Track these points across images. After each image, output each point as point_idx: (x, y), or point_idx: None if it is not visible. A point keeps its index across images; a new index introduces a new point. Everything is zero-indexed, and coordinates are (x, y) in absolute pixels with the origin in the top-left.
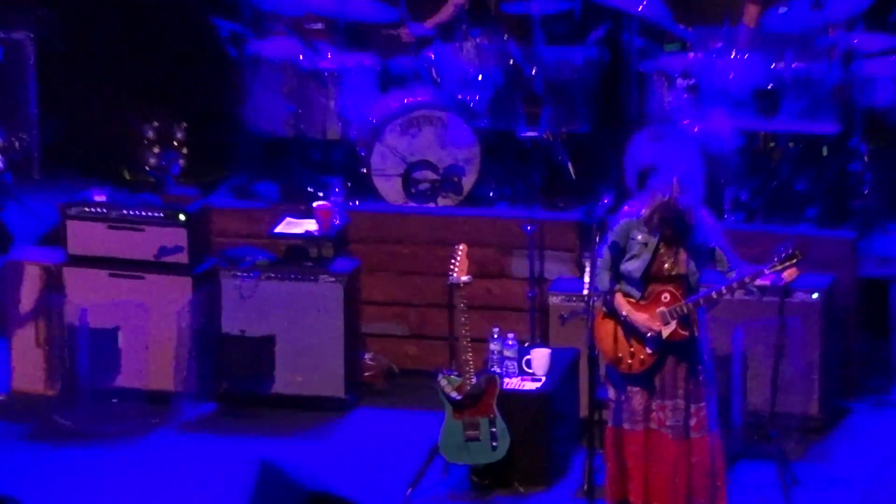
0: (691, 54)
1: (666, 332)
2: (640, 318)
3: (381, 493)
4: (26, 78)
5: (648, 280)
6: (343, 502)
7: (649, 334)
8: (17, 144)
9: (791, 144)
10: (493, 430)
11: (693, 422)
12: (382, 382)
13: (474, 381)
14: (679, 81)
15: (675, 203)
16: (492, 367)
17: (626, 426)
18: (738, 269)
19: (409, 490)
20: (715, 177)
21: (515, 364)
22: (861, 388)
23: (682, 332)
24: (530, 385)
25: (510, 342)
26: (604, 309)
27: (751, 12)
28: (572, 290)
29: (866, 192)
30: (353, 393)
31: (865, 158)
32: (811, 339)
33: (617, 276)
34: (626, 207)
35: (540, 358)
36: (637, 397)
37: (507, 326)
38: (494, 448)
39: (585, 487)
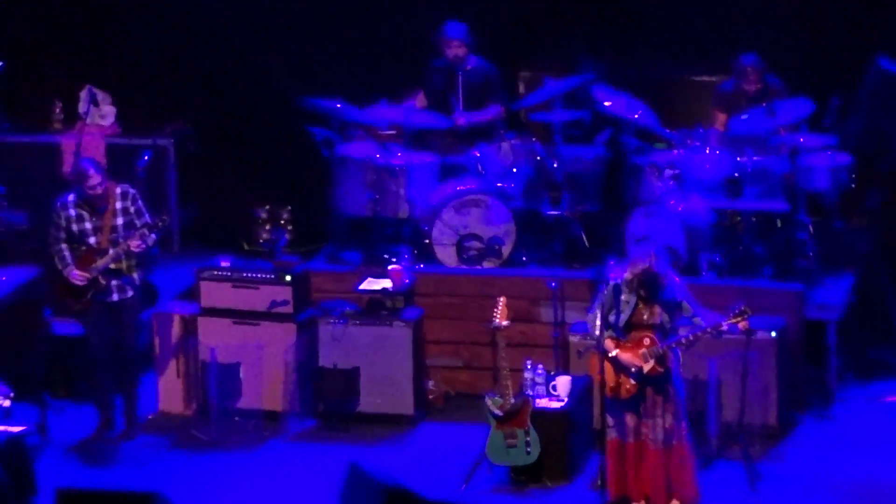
0: (675, 151)
1: (646, 368)
2: (626, 357)
3: (442, 487)
4: (168, 174)
5: (631, 328)
6: (412, 495)
7: (633, 370)
8: (160, 224)
9: (752, 219)
10: (528, 439)
11: (673, 434)
12: (442, 403)
13: (513, 401)
14: (666, 172)
15: (652, 268)
16: (526, 390)
17: (622, 439)
18: (701, 315)
19: (464, 485)
20: (694, 244)
21: (544, 388)
22: (807, 405)
23: (659, 369)
24: (555, 404)
25: (539, 371)
26: (599, 351)
27: (720, 119)
28: (587, 332)
29: (810, 254)
30: (420, 411)
31: (809, 229)
32: (769, 366)
33: (606, 326)
34: (611, 274)
35: (563, 383)
36: (628, 417)
37: (537, 359)
38: (528, 453)
39: (598, 482)
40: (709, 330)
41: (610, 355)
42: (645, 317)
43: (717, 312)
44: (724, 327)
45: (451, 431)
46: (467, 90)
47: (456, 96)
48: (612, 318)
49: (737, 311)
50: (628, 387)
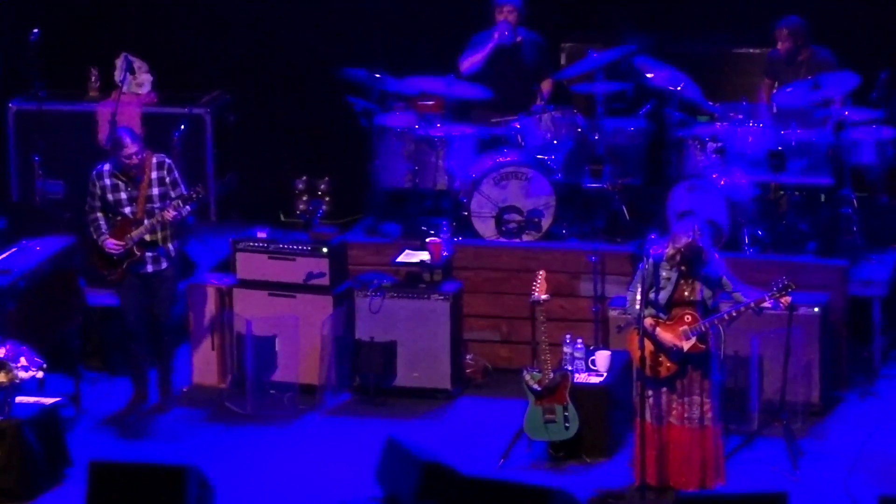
0: (718, 124)
1: (686, 346)
2: (666, 337)
3: (480, 462)
4: (204, 143)
5: (672, 305)
6: (450, 470)
7: (674, 348)
8: (195, 196)
9: (796, 193)
10: (566, 414)
11: (708, 414)
12: (480, 377)
13: (551, 376)
14: (709, 145)
15: (695, 243)
16: (565, 365)
17: (658, 418)
18: (742, 291)
19: (502, 461)
20: (736, 218)
21: (583, 363)
22: (851, 382)
23: (700, 346)
24: (595, 379)
25: (579, 346)
26: (637, 329)
27: (766, 85)
28: (626, 309)
29: (854, 230)
30: (458, 386)
31: (854, 204)
32: (812, 343)
33: (646, 303)
34: (651, 250)
35: (602, 358)
36: (664, 396)
37: (576, 334)
38: (567, 428)
39: (634, 461)
40: (752, 305)
41: (651, 335)
42: (686, 293)
43: (758, 288)
44: (767, 303)
45: (489, 406)
46: (518, 62)
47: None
48: (652, 295)
49: (780, 287)
50: (668, 365)
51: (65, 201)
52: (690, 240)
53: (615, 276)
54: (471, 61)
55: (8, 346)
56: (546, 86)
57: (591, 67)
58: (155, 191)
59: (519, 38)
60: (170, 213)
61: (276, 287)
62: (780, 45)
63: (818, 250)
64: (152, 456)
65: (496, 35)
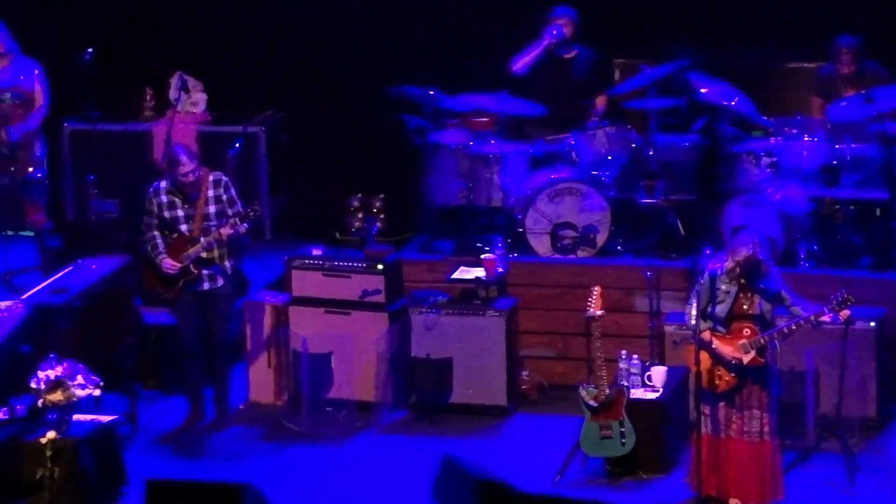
0: (772, 139)
1: (746, 360)
2: (725, 349)
3: (536, 479)
4: (259, 162)
5: (731, 319)
6: (506, 487)
7: (733, 362)
8: (252, 214)
9: (850, 207)
10: (622, 430)
11: (766, 428)
12: (535, 394)
13: (607, 391)
14: (763, 160)
15: (754, 256)
16: (621, 381)
17: (715, 433)
18: (801, 305)
19: (558, 477)
20: (791, 233)
21: (639, 378)
22: None
23: (759, 360)
24: (651, 395)
25: (635, 362)
26: (696, 342)
27: (816, 104)
28: (682, 322)
29: None
30: (513, 402)
31: None
32: (868, 357)
33: (704, 317)
34: (710, 264)
35: (658, 374)
36: (722, 411)
37: (632, 349)
38: (623, 444)
39: (691, 476)
40: (811, 319)
41: (710, 349)
42: (745, 307)
43: (814, 302)
44: (826, 317)
45: (544, 423)
46: (572, 78)
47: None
48: (710, 309)
49: (839, 300)
50: (727, 379)
51: (119, 220)
52: (750, 252)
53: (670, 291)
54: (523, 62)
55: (65, 365)
56: (600, 102)
57: (644, 83)
58: (211, 208)
59: (573, 53)
60: (226, 231)
61: (332, 304)
62: (845, 69)
63: (873, 264)
64: (208, 474)
65: (546, 36)
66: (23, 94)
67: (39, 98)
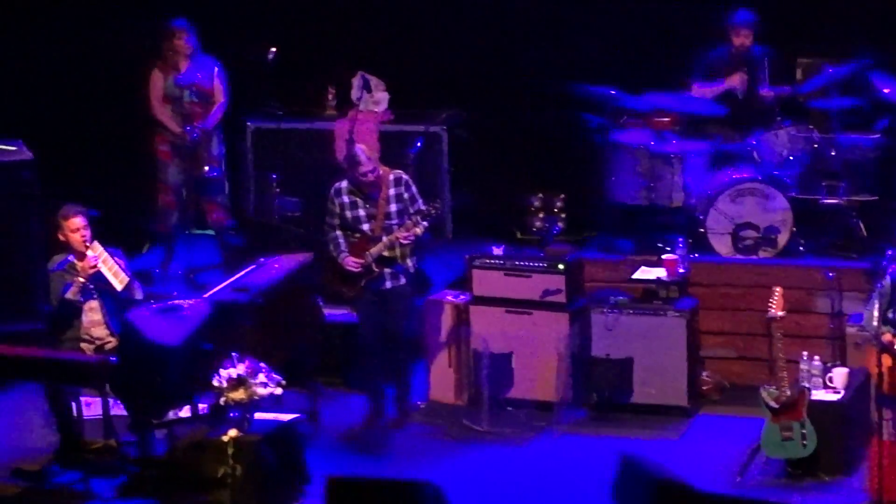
0: None
1: None
2: None
3: (716, 479)
4: (441, 161)
5: None
6: (686, 487)
7: None
8: (432, 212)
9: None
10: (804, 431)
11: None
12: (716, 394)
13: (788, 393)
14: None
15: None
16: (802, 382)
17: (893, 440)
18: None
19: (739, 477)
20: None
21: (820, 380)
22: None
23: None
24: (832, 396)
25: (816, 363)
26: (877, 345)
27: None
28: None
29: None
30: (693, 402)
31: None
32: None
33: (885, 321)
34: (892, 266)
35: (840, 375)
36: None
37: (813, 351)
38: (805, 446)
39: (871, 482)
40: None
41: (890, 350)
42: None
43: None
44: None
45: (725, 423)
46: (753, 78)
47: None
48: (891, 314)
49: None
50: None
51: (302, 218)
52: None
53: (852, 292)
54: (701, 92)
55: (247, 363)
56: (780, 100)
57: (826, 82)
58: (393, 207)
59: (755, 54)
60: (406, 231)
61: (513, 304)
62: None
63: None
64: (389, 472)
65: (731, 84)
66: (202, 92)
67: (219, 96)
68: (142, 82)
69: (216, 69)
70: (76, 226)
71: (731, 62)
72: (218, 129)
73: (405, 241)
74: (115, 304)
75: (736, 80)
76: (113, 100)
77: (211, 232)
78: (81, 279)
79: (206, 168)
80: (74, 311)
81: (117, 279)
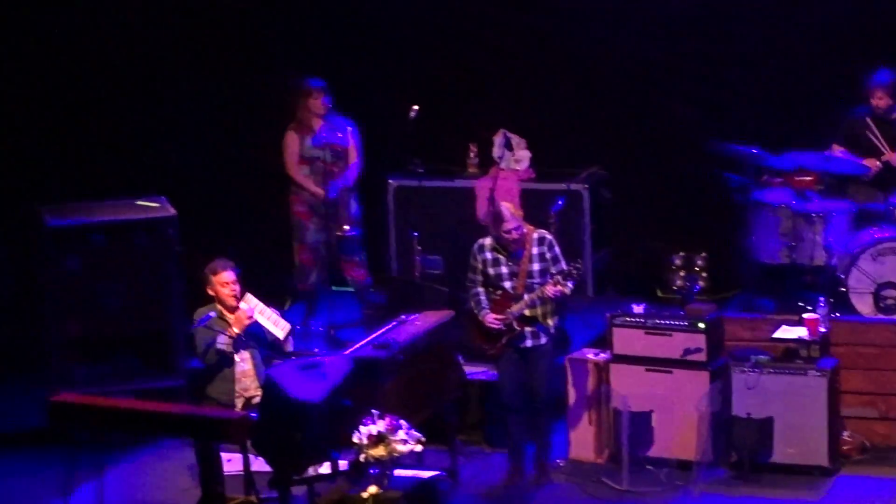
0: None
1: None
2: None
3: None
4: (582, 219)
5: None
6: None
7: None
8: (575, 272)
9: None
10: None
11: None
12: (857, 454)
13: None
14: None
15: None
16: None
17: None
18: None
19: None
20: None
21: None
22: None
23: None
24: None
25: None
26: None
27: None
28: None
29: None
30: (835, 462)
31: None
32: None
33: None
34: None
35: None
36: None
37: None
38: None
39: None
40: None
41: None
42: None
43: None
44: None
45: (866, 484)
46: (889, 138)
47: (879, 141)
48: None
49: None
50: None
51: (444, 276)
52: None
53: None
54: (842, 152)
55: (387, 420)
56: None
57: None
58: (535, 266)
59: (894, 115)
60: (551, 290)
61: (653, 362)
62: None
63: None
64: None
65: (866, 163)
66: (338, 152)
67: (353, 155)
68: (275, 142)
69: (350, 128)
70: (226, 280)
71: (870, 125)
72: (354, 189)
73: (552, 296)
74: (263, 355)
75: (872, 163)
76: (252, 158)
77: (351, 289)
78: (236, 330)
79: (347, 228)
80: (226, 362)
81: (278, 327)
